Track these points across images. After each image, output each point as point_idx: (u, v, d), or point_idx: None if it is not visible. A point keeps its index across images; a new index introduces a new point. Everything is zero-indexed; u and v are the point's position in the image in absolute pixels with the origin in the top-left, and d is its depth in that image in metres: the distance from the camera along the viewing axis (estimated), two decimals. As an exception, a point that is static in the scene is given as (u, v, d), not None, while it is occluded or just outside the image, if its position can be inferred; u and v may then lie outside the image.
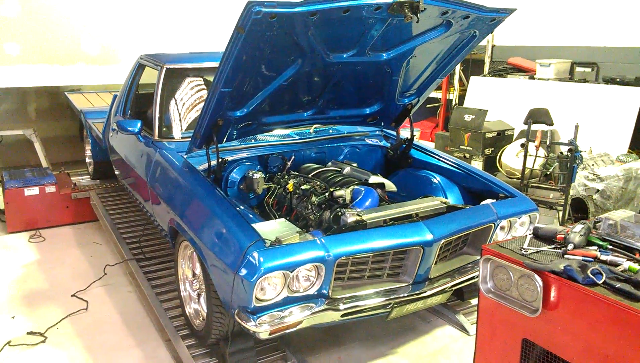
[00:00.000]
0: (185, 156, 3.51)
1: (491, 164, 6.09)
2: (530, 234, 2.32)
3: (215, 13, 7.78)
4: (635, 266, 1.94)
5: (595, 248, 2.12)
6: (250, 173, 3.51)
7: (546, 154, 5.17)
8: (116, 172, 5.08)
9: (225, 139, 3.47)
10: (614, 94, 6.15)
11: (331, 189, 3.33)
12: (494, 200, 3.43)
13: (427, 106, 8.53)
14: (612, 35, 6.73)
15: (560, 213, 4.66)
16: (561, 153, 4.79)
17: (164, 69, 4.12)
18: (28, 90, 7.30)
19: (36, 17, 6.77)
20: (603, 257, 2.03)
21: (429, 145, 6.03)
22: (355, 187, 3.38)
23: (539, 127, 5.01)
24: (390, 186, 3.67)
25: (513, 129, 6.42)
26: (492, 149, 6.21)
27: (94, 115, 5.94)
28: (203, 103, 3.12)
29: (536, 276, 1.99)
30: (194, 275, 3.33)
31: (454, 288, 3.17)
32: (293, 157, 3.89)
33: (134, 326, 3.69)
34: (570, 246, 2.10)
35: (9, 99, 7.27)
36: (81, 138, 6.62)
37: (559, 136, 5.99)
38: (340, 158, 4.18)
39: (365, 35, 2.96)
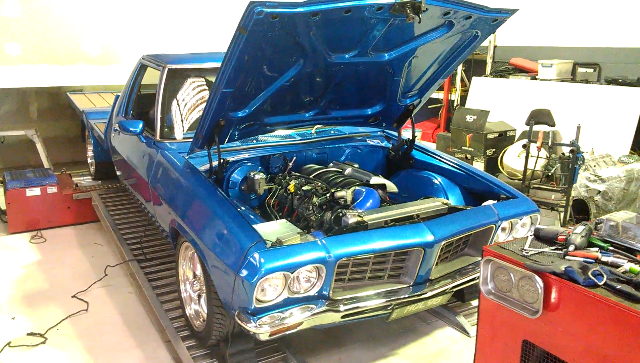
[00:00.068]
0: (186, 157, 3.52)
1: (493, 165, 6.08)
2: (531, 235, 2.31)
3: (217, 13, 7.78)
4: (637, 267, 1.93)
5: (597, 249, 2.11)
6: (252, 174, 3.51)
7: (548, 155, 5.16)
8: (118, 173, 5.08)
9: (227, 140, 3.47)
10: (616, 95, 6.14)
11: (332, 190, 3.33)
12: (495, 201, 3.42)
13: (429, 106, 8.52)
14: (615, 36, 6.72)
15: (562, 214, 4.65)
16: (563, 153, 4.79)
17: (166, 70, 4.13)
18: (29, 90, 7.31)
19: (36, 17, 6.79)
20: (604, 258, 2.02)
21: (431, 146, 6.03)
22: (357, 188, 3.38)
23: (540, 128, 5.01)
24: (391, 187, 3.67)
25: (515, 130, 6.41)
26: (494, 150, 6.21)
27: (95, 115, 5.95)
28: (205, 104, 3.12)
29: (537, 277, 1.99)
30: (194, 276, 3.33)
31: (454, 290, 3.17)
32: (294, 158, 3.89)
33: (134, 327, 3.69)
34: (571, 248, 2.09)
35: (11, 100, 7.28)
36: (83, 138, 6.63)
37: (561, 137, 5.99)
38: (341, 158, 4.18)
39: (367, 36, 2.96)
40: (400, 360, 3.34)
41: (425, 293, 2.98)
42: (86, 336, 3.58)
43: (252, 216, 3.17)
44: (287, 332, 2.68)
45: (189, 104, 4.15)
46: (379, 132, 4.41)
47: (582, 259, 2.03)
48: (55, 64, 7.02)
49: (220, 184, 3.42)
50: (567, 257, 2.07)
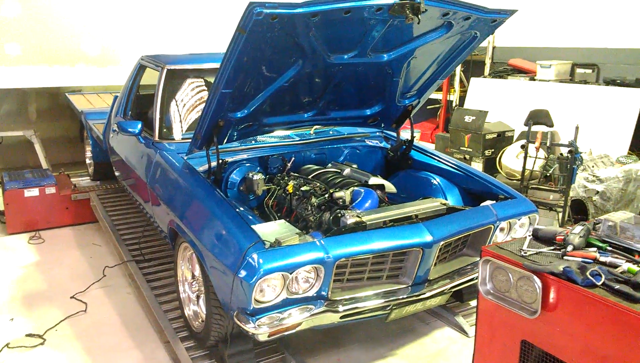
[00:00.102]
0: (185, 157, 3.52)
1: (491, 166, 6.09)
2: (529, 235, 2.31)
3: (216, 14, 7.78)
4: (635, 267, 1.93)
5: (595, 249, 2.11)
6: (250, 174, 3.51)
7: (546, 156, 5.16)
8: (116, 173, 5.08)
9: (225, 141, 3.47)
10: (615, 95, 6.15)
11: (331, 191, 3.33)
12: (494, 201, 3.43)
13: (428, 107, 8.53)
14: (613, 37, 6.73)
15: (560, 215, 4.66)
16: (561, 154, 4.79)
17: (165, 70, 4.13)
18: (28, 91, 7.30)
19: (36, 18, 6.77)
20: (602, 259, 2.02)
21: (429, 146, 6.04)
22: (355, 188, 3.38)
23: (539, 128, 5.01)
24: (390, 187, 3.67)
25: (513, 130, 6.42)
26: (492, 150, 6.21)
27: (94, 116, 5.94)
28: (204, 104, 3.12)
29: (535, 277, 1.99)
30: (193, 276, 3.33)
31: (453, 290, 3.17)
32: (293, 158, 3.90)
33: (133, 328, 3.69)
34: (569, 248, 2.10)
35: (9, 100, 7.28)
36: (81, 138, 6.63)
37: (559, 138, 5.99)
38: (340, 159, 4.18)
39: (367, 37, 2.96)
40: (399, 361, 3.34)
41: (424, 294, 2.98)
42: (85, 337, 3.58)
43: (250, 217, 3.17)
44: (286, 333, 2.67)
45: (188, 105, 4.14)
46: (377, 133, 4.41)
47: (580, 259, 2.03)
48: (55, 64, 7.01)
49: (218, 184, 3.42)
50: (565, 257, 2.07)
